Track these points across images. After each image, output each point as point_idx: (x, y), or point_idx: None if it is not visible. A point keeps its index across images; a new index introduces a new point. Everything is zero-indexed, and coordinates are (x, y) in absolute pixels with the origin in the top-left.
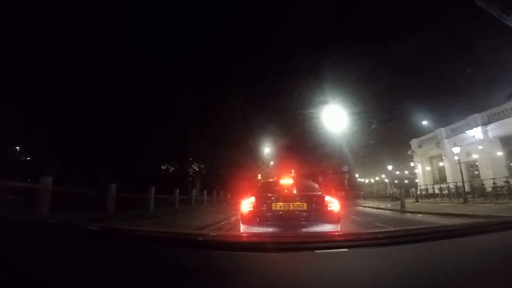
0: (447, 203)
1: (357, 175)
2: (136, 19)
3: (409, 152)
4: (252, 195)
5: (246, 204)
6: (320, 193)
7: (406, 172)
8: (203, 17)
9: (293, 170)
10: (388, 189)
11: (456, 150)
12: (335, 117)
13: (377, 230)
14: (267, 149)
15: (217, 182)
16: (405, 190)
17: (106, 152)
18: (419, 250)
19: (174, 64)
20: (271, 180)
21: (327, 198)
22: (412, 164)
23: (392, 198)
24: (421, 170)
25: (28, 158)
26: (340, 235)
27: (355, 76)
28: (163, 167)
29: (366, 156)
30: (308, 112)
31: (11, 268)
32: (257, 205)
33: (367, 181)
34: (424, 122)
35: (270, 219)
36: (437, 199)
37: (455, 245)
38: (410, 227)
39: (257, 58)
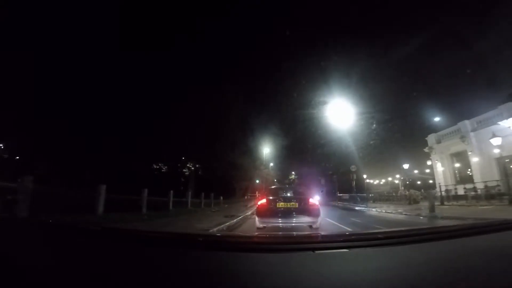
0: (485, 205)
1: (364, 176)
2: (132, 14)
3: (426, 149)
4: (264, 197)
5: (261, 204)
6: (307, 196)
7: (417, 171)
8: (200, 12)
9: (293, 173)
10: (400, 191)
11: (496, 141)
12: (340, 115)
13: (376, 230)
14: (267, 150)
15: (214, 184)
16: (422, 191)
17: (94, 151)
18: (419, 250)
19: (169, 59)
20: (276, 187)
21: (311, 200)
22: (429, 162)
23: (410, 201)
24: (440, 169)
25: (16, 157)
26: (340, 235)
27: (363, 67)
28: (155, 167)
29: (374, 156)
30: (310, 110)
31: (10, 268)
32: (267, 204)
33: (375, 182)
34: (437, 119)
35: (275, 213)
36: (465, 202)
37: (455, 245)
38: (410, 227)
39: (258, 55)
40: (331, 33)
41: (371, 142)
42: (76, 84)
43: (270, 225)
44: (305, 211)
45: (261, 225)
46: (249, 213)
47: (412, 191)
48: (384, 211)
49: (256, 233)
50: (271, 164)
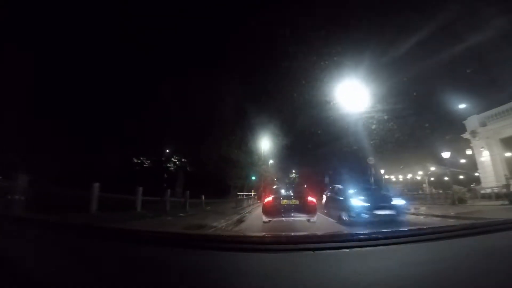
0: None
1: (382, 171)
2: None
3: (467, 135)
4: (269, 196)
5: (267, 201)
6: (306, 194)
7: (440, 165)
8: None
9: (294, 171)
10: (425, 188)
11: None
12: (350, 107)
13: (376, 230)
14: (266, 146)
15: (204, 181)
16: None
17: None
18: (419, 250)
19: (154, 37)
20: (279, 186)
21: (309, 198)
22: (468, 151)
23: (454, 200)
24: (487, 159)
25: None
26: (340, 235)
27: (377, 48)
28: (135, 161)
29: (389, 150)
30: (315, 104)
31: (5, 266)
32: (272, 201)
33: (393, 179)
34: (462, 106)
35: (279, 209)
36: None
37: (455, 245)
38: (410, 227)
39: (257, 38)
40: (340, 14)
41: (386, 134)
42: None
43: (274, 219)
44: (304, 207)
45: (266, 219)
46: (235, 219)
47: (456, 187)
48: (428, 213)
49: (257, 234)
50: (271, 161)
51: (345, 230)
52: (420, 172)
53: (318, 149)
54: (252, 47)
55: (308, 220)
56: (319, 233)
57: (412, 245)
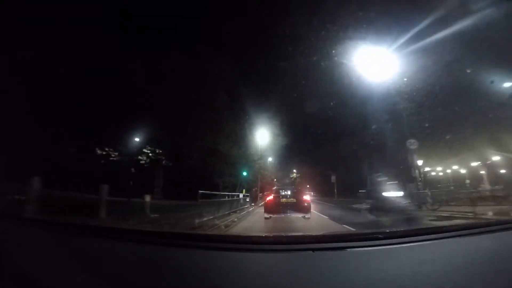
0: None
1: (419, 162)
2: None
3: None
4: (270, 195)
5: (268, 200)
6: (302, 194)
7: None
8: None
9: (294, 171)
10: (481, 185)
11: None
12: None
13: (376, 231)
14: (265, 141)
15: (186, 178)
16: None
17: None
18: (419, 250)
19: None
20: (279, 187)
21: (305, 197)
22: None
23: None
24: None
25: None
26: (340, 236)
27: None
28: (100, 152)
29: (426, 134)
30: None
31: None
32: (273, 200)
33: (432, 173)
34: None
35: (279, 207)
36: None
37: (455, 245)
38: (410, 228)
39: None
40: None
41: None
42: None
43: (275, 215)
44: (300, 205)
45: (268, 216)
46: None
47: None
48: None
49: (257, 234)
50: (270, 159)
51: (345, 230)
52: (474, 164)
53: (323, 147)
54: (253, 25)
55: (304, 217)
56: (318, 233)
57: (412, 245)
